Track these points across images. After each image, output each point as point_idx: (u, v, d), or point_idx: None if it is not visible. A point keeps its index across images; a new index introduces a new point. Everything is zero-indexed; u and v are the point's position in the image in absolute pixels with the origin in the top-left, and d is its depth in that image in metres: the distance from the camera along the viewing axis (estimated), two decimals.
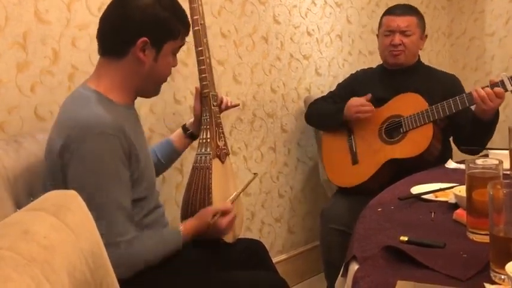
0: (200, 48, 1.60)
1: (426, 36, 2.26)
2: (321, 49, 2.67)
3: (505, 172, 1.18)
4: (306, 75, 2.61)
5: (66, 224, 0.78)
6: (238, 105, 1.82)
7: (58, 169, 1.26)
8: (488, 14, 3.31)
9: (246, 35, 2.30)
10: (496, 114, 1.93)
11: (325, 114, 2.28)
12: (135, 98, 1.43)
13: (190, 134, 1.71)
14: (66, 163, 1.24)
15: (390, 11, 2.21)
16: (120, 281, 0.90)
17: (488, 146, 2.02)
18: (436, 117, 1.97)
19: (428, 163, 1.96)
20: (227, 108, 1.73)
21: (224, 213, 1.49)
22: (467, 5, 3.43)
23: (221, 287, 1.40)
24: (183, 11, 1.39)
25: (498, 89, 1.83)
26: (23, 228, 0.73)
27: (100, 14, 1.37)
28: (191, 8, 1.60)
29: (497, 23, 3.27)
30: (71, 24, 1.70)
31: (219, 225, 1.46)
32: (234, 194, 1.62)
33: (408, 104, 2.07)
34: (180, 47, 1.42)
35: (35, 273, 0.65)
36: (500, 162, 1.13)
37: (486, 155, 1.76)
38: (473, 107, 1.97)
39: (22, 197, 1.35)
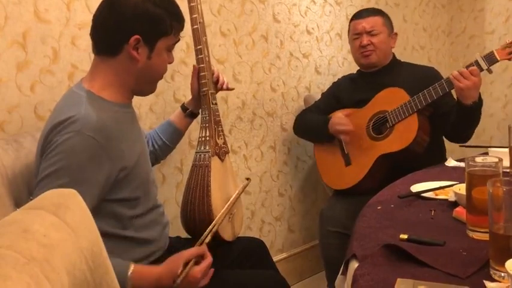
0: (199, 47, 1.60)
1: (396, 34, 2.30)
2: (320, 48, 2.67)
3: (504, 170, 1.18)
4: (306, 73, 2.60)
5: (66, 223, 0.78)
6: (233, 88, 1.80)
7: (39, 165, 1.25)
8: (488, 12, 3.31)
9: (246, 34, 2.30)
10: (479, 101, 1.93)
11: (311, 130, 2.32)
12: (132, 97, 1.42)
13: (190, 113, 1.70)
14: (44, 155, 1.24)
15: (355, 16, 2.29)
16: None
17: (488, 143, 2.02)
18: (420, 107, 1.98)
19: (419, 155, 1.98)
20: (222, 89, 1.68)
21: (199, 259, 1.33)
22: (467, 3, 3.42)
23: (221, 286, 1.39)
24: (176, 6, 1.37)
25: (472, 68, 1.88)
26: (22, 227, 0.73)
27: None
28: (190, 7, 1.60)
29: (497, 21, 3.27)
30: (71, 24, 1.70)
31: (192, 274, 1.29)
32: (223, 210, 1.53)
33: (391, 99, 2.09)
34: (175, 43, 1.39)
35: (34, 272, 0.65)
36: (500, 160, 1.14)
37: (486, 153, 1.77)
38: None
39: (22, 196, 1.35)
